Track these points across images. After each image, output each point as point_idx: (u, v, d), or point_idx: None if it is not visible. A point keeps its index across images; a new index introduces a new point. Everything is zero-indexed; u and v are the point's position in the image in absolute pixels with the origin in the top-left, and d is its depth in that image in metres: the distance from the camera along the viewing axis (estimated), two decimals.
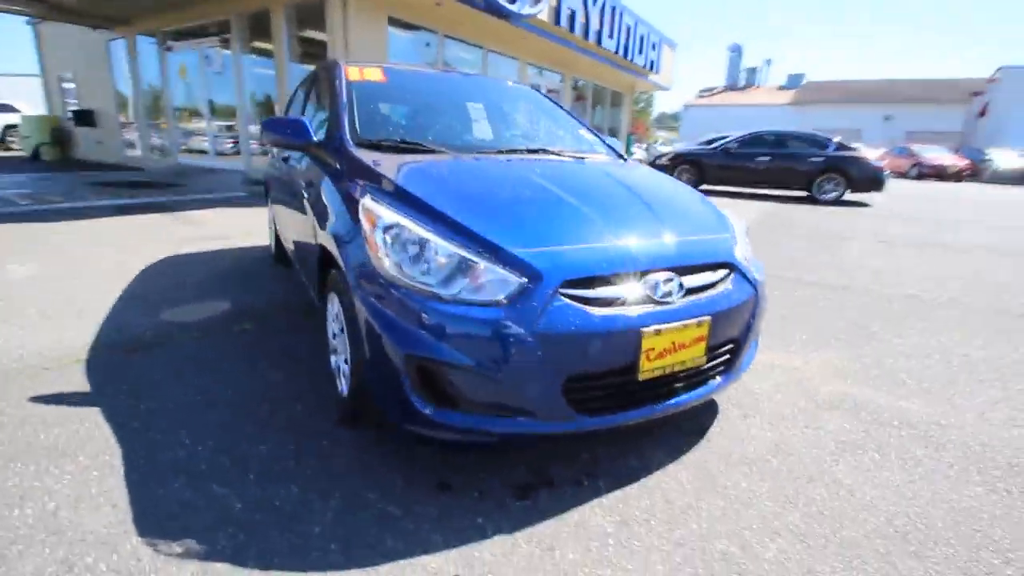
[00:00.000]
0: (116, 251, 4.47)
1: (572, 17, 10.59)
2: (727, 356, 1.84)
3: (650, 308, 1.56)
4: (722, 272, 1.80)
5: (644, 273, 1.60)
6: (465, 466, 1.74)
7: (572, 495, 1.62)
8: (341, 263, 1.69)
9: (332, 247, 1.79)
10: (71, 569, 1.29)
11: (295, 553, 1.35)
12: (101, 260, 4.19)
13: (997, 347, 2.97)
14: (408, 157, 2.07)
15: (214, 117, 10.23)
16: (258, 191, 8.46)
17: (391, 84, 2.62)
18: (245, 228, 5.64)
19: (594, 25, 11.39)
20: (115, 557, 1.33)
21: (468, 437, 1.51)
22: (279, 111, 8.83)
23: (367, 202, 1.69)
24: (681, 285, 1.65)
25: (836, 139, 11.08)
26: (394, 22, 8.37)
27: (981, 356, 2.83)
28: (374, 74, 2.63)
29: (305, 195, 2.41)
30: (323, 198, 2.06)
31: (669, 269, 1.65)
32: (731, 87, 46.92)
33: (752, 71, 46.86)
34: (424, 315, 1.43)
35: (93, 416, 1.97)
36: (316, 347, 2.67)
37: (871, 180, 10.74)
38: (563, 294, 1.47)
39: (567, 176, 2.10)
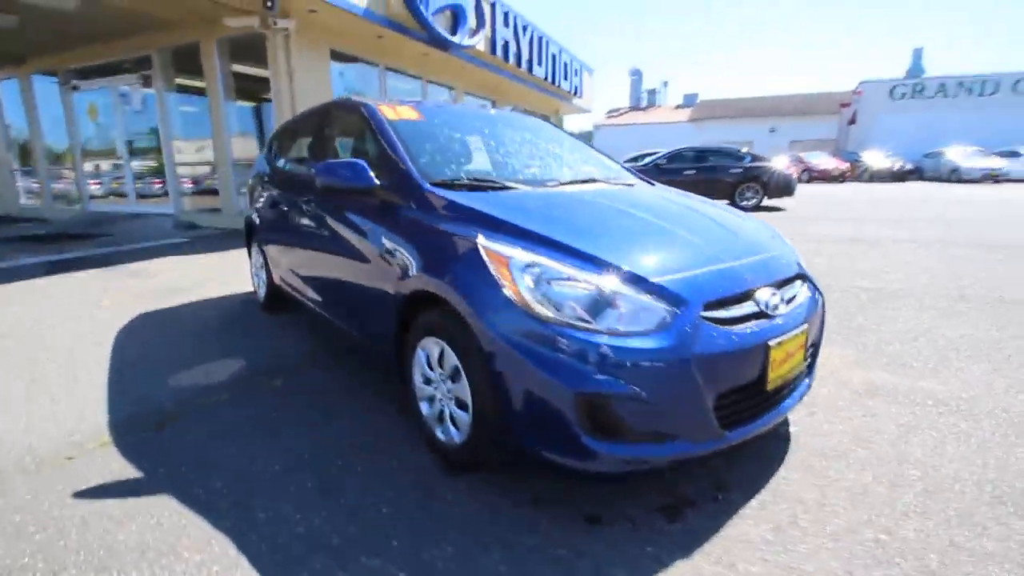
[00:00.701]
0: (76, 314, 3.98)
1: (506, 47, 10.96)
2: (810, 359, 2.01)
3: (766, 322, 1.69)
4: (798, 282, 1.98)
5: (754, 290, 1.73)
6: (597, 497, 1.75)
7: (716, 510, 1.68)
8: (463, 306, 1.66)
9: (441, 290, 1.75)
10: None
11: None
12: (65, 324, 3.71)
13: (963, 326, 3.43)
14: (490, 194, 2.07)
15: (134, 158, 9.39)
16: (201, 235, 7.87)
17: (429, 122, 2.61)
18: (206, 276, 5.22)
19: (525, 54, 11.85)
20: None
21: (630, 467, 1.53)
22: (215, 151, 8.31)
23: (486, 243, 1.69)
24: (782, 298, 1.79)
25: (744, 149, 12.30)
26: (336, 55, 8.22)
27: (956, 335, 3.26)
28: (410, 113, 2.60)
29: (356, 239, 2.32)
30: (404, 241, 2.00)
31: (770, 285, 1.79)
32: (635, 107, 50.24)
33: (652, 92, 50.53)
34: (586, 350, 1.45)
35: (165, 504, 1.76)
36: (372, 394, 2.55)
37: (784, 187, 11.96)
38: (704, 317, 1.56)
39: (645, 204, 2.20)
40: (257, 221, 3.79)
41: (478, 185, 2.16)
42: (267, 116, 8.05)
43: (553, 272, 1.57)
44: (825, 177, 23.54)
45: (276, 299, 3.85)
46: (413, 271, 1.92)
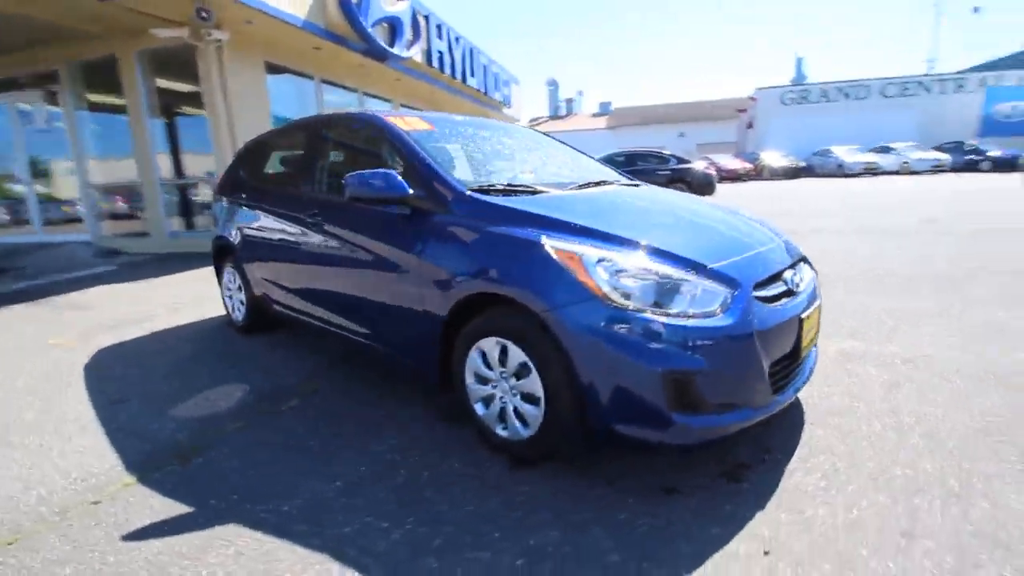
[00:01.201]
0: (25, 355, 3.55)
1: (441, 58, 11.02)
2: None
3: (794, 299, 1.92)
4: (802, 264, 2.25)
5: (782, 272, 1.96)
6: (664, 472, 1.89)
7: (768, 469, 1.88)
8: (538, 303, 1.74)
9: (509, 290, 1.82)
10: None
11: None
12: (20, 366, 3.31)
13: (900, 299, 3.97)
14: (528, 197, 2.17)
15: (38, 182, 8.41)
16: (130, 262, 7.22)
17: (440, 131, 2.65)
18: (153, 306, 4.83)
19: (458, 66, 11.97)
20: None
21: (706, 437, 1.69)
22: (139, 170, 7.67)
23: (553, 242, 1.79)
24: (801, 277, 2.05)
25: (666, 152, 13.27)
26: (270, 67, 7.88)
27: (896, 307, 3.77)
28: (420, 123, 2.63)
29: (385, 249, 2.32)
30: (451, 247, 2.05)
31: (789, 267, 2.04)
32: (554, 116, 51.92)
33: (569, 101, 52.53)
34: (667, 333, 1.59)
35: (236, 532, 1.68)
36: (403, 404, 2.54)
37: (706, 185, 12.98)
38: (755, 296, 1.76)
39: (665, 201, 2.40)
40: (235, 241, 3.60)
41: (512, 190, 2.25)
42: (196, 131, 7.55)
43: (624, 264, 1.71)
44: (732, 176, 25.64)
45: (258, 320, 3.68)
46: (466, 275, 1.97)
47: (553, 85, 52.75)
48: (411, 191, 2.21)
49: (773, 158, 27.29)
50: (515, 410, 1.95)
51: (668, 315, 1.63)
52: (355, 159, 2.99)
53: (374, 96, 10.99)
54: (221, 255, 3.92)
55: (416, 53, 9.80)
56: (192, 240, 7.71)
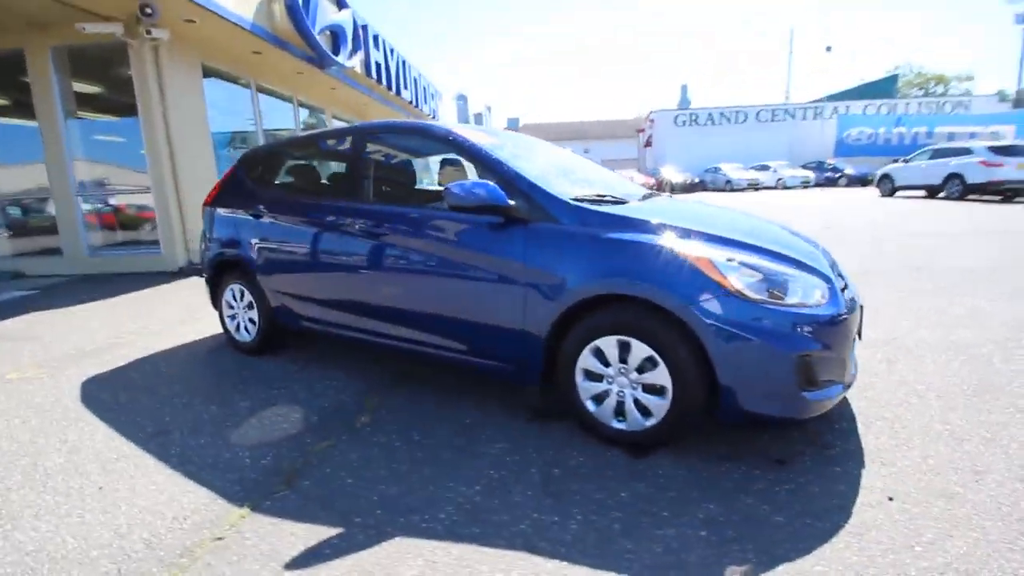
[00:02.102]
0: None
1: (379, 68, 10.85)
2: None
3: (848, 291, 2.30)
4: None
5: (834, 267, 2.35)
6: (761, 447, 2.16)
7: (846, 436, 2.22)
8: (672, 301, 1.93)
9: (640, 290, 1.99)
10: None
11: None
12: (12, 411, 2.82)
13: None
14: (621, 206, 2.36)
15: None
16: (45, 285, 6.25)
17: (503, 146, 2.74)
18: (120, 330, 4.32)
19: (394, 77, 11.84)
20: None
21: (819, 411, 1.97)
22: (50, 178, 6.69)
23: (680, 245, 2.00)
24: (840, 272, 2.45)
25: None
26: (206, 71, 7.29)
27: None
28: (485, 137, 2.72)
29: (482, 257, 2.38)
30: (563, 253, 2.18)
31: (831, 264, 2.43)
32: None
33: (478, 116, 53.31)
34: (794, 321, 1.87)
35: (408, 544, 1.67)
36: (483, 407, 2.60)
37: None
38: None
39: (718, 208, 2.71)
40: (248, 256, 3.36)
41: (601, 199, 2.43)
42: (123, 136, 6.78)
43: (747, 262, 1.96)
44: None
45: (271, 340, 3.47)
46: (587, 278, 2.11)
47: (462, 100, 53.24)
48: (512, 201, 2.30)
49: (672, 174, 29.84)
50: (636, 402, 2.11)
51: (789, 305, 1.90)
52: (415, 170, 2.98)
53: (307, 106, 10.53)
54: (220, 272, 3.63)
55: (357, 63, 9.59)
56: (118, 259, 6.86)
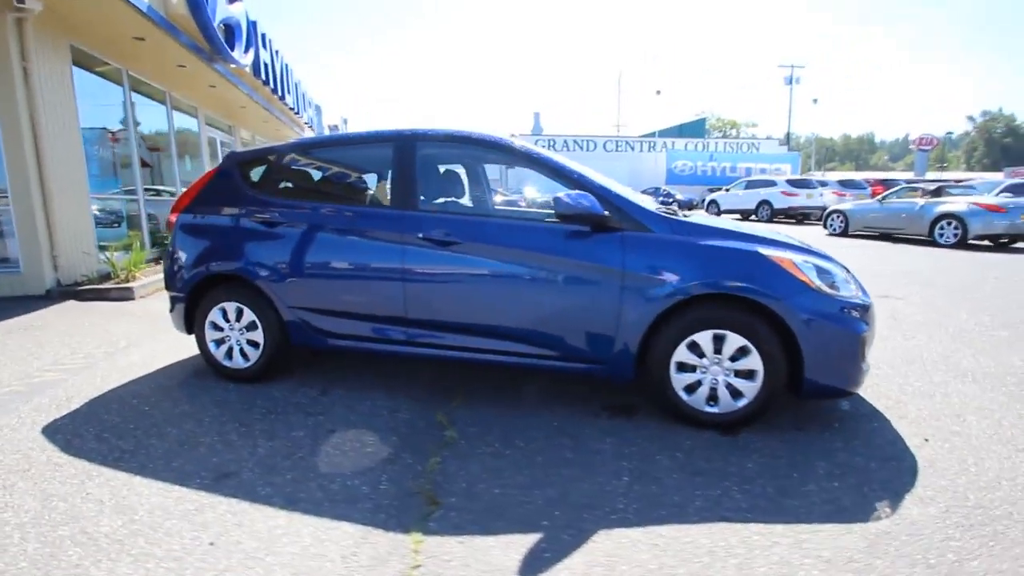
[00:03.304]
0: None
1: (266, 69, 9.92)
2: None
3: None
4: None
5: None
6: (801, 417, 2.64)
7: (853, 404, 2.80)
8: (768, 298, 2.30)
9: (743, 290, 2.32)
10: None
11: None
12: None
13: None
14: (690, 215, 2.68)
15: None
16: None
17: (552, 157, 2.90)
18: (42, 364, 3.40)
19: (279, 80, 10.92)
20: None
21: (864, 382, 2.48)
22: None
23: (767, 251, 2.39)
24: None
25: None
26: (74, 58, 6.01)
27: None
28: (534, 147, 2.86)
29: (573, 263, 2.51)
30: (663, 258, 2.43)
31: None
32: None
33: (334, 128, 50.79)
34: (856, 308, 2.36)
35: (647, 536, 1.75)
36: (556, 403, 2.71)
37: None
38: None
39: (736, 222, 3.18)
40: (259, 270, 2.95)
41: (671, 210, 2.73)
42: None
43: (815, 263, 2.41)
44: None
45: (278, 361, 3.10)
46: (685, 281, 2.38)
47: (317, 111, 50.42)
48: (605, 212, 2.49)
49: (533, 194, 31.81)
50: (728, 387, 2.43)
51: (846, 296, 2.40)
52: (471, 179, 2.96)
53: (180, 108, 9.19)
54: (204, 290, 3.11)
55: (250, 61, 8.70)
56: None
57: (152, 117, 8.50)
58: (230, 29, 7.76)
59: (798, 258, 2.42)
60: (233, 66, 8.21)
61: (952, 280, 6.24)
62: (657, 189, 32.49)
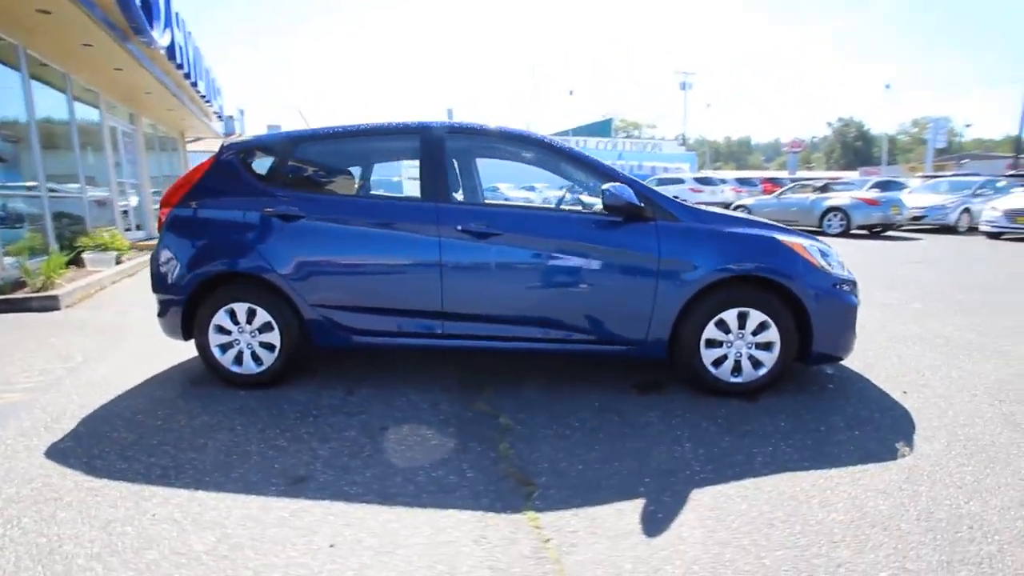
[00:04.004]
0: None
1: (182, 52, 8.98)
2: None
3: None
4: None
5: None
6: (799, 384, 3.03)
7: (836, 369, 3.24)
8: (787, 278, 2.61)
9: (766, 272, 2.61)
10: None
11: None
12: None
13: None
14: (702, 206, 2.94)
15: None
16: None
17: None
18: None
19: (192, 64, 9.92)
20: None
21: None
22: None
23: (783, 237, 2.69)
24: None
25: None
26: None
27: None
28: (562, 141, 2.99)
29: (613, 251, 2.68)
30: (694, 245, 2.66)
31: None
32: (228, 133, 45.31)
33: (230, 119, 46.77)
34: (851, 282, 2.76)
35: (759, 494, 1.94)
36: (591, 386, 2.88)
37: None
38: None
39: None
40: (277, 266, 2.77)
41: (683, 202, 2.98)
42: None
43: (815, 245, 2.77)
44: None
45: (295, 364, 2.95)
46: (714, 265, 2.63)
47: (240, 114, 46.13)
48: (641, 203, 2.67)
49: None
50: (750, 358, 2.73)
51: (842, 273, 2.78)
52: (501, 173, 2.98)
53: (80, 97, 8.07)
54: (205, 291, 2.87)
55: (168, 41, 7.84)
56: None
57: (51, 103, 7.40)
58: (147, 5, 6.97)
59: (806, 242, 2.77)
60: (150, 47, 7.37)
61: (853, 263, 7.28)
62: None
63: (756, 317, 2.68)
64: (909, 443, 2.27)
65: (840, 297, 2.72)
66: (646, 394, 2.85)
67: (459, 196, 3.23)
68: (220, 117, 14.40)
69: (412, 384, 3.00)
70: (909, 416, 2.54)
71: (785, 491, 1.94)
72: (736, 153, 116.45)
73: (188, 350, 3.48)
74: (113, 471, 2.09)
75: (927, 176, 21.33)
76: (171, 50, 8.52)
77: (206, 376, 3.07)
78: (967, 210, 12.67)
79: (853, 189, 13.56)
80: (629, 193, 2.61)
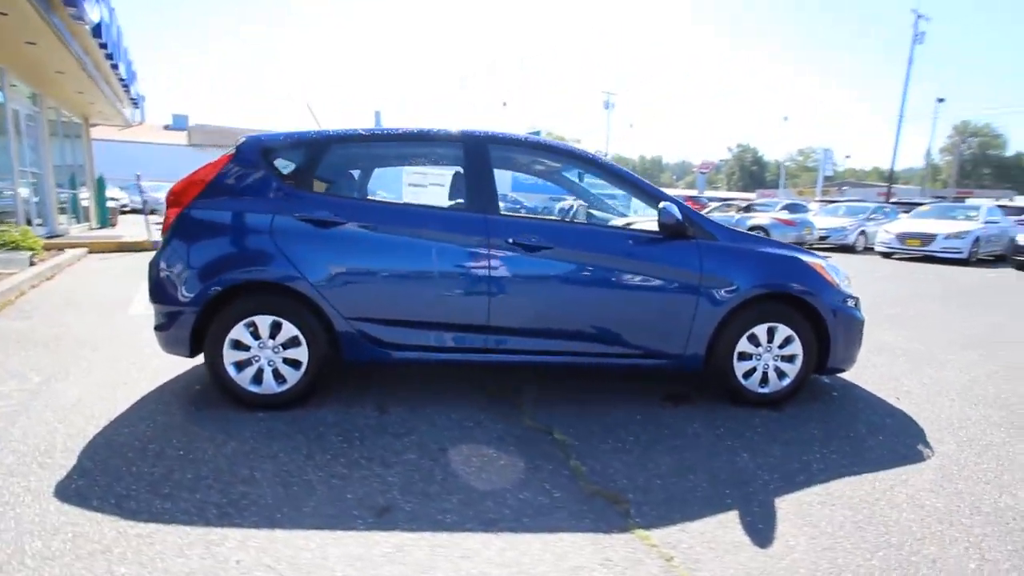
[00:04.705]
0: None
1: (107, 30, 7.99)
2: None
3: None
4: None
5: None
6: (818, 395, 3.29)
7: (834, 380, 3.55)
8: (809, 294, 2.83)
9: (793, 289, 2.82)
10: None
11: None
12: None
13: None
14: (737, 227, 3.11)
15: None
16: None
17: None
18: None
19: (115, 44, 8.86)
20: None
21: None
22: None
23: (804, 257, 2.92)
24: None
25: None
26: None
27: None
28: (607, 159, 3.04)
29: (659, 268, 2.76)
30: (733, 263, 2.81)
31: None
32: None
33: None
34: (855, 301, 3.03)
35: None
36: (609, 399, 2.96)
37: None
38: None
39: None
40: (309, 276, 2.54)
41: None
42: None
43: (834, 265, 3.03)
44: None
45: (319, 381, 2.74)
46: (750, 283, 2.79)
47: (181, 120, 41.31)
48: (685, 222, 2.78)
49: (384, 195, 30.88)
50: (776, 370, 2.92)
51: (850, 290, 3.06)
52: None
53: None
54: (220, 302, 2.57)
55: (99, 17, 6.96)
56: None
57: None
58: None
59: (823, 262, 3.02)
60: (78, 21, 6.50)
61: None
62: (505, 195, 34.30)
63: (783, 331, 2.88)
64: (927, 445, 2.55)
65: (852, 313, 3.00)
66: (680, 406, 2.95)
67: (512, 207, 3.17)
68: (136, 104, 12.93)
69: (443, 401, 2.88)
70: (912, 420, 2.85)
71: (853, 495, 2.09)
72: (649, 171, 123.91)
73: (166, 366, 3.14)
74: (157, 512, 1.81)
75: (822, 200, 24.07)
76: (98, 27, 7.61)
77: (207, 397, 2.77)
78: (863, 232, 14.44)
79: (771, 210, 14.95)
80: (679, 213, 2.71)
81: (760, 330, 2.87)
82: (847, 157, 75.01)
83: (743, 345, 2.87)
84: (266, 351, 2.64)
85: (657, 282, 2.78)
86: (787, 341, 2.89)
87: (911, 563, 1.69)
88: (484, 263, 2.68)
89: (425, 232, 2.70)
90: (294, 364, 2.67)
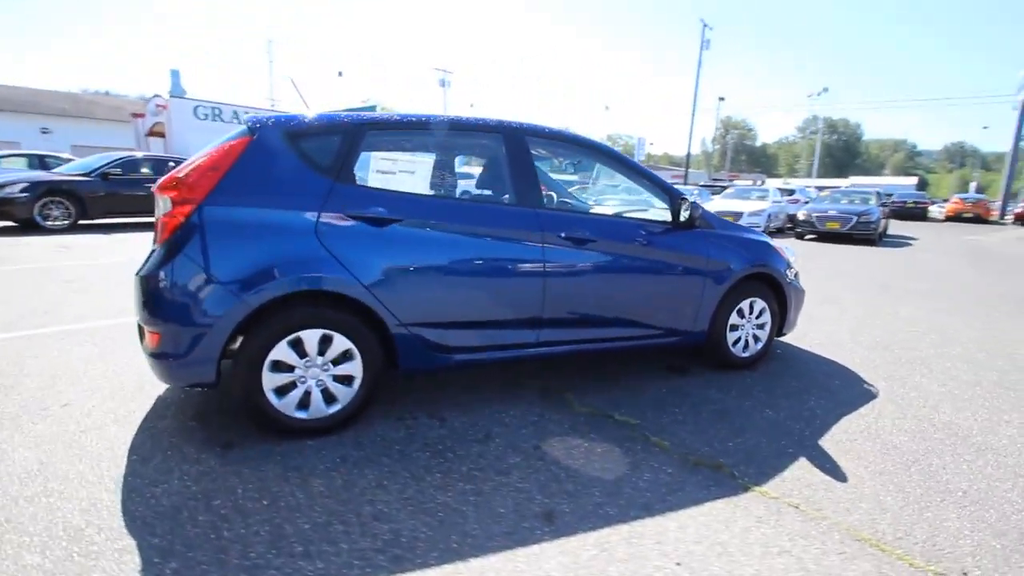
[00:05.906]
0: None
1: None
2: None
3: None
4: None
5: None
6: (779, 373, 3.99)
7: (778, 346, 4.32)
8: (778, 273, 3.42)
9: (767, 268, 3.35)
10: None
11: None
12: None
13: None
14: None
15: None
16: None
17: None
18: None
19: None
20: None
21: None
22: None
23: (770, 241, 3.49)
24: None
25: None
26: None
27: None
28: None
29: (681, 256, 3.08)
30: (731, 249, 3.24)
31: None
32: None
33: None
34: (798, 276, 3.76)
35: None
36: (619, 378, 3.24)
37: None
38: None
39: None
40: (365, 281, 2.22)
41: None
42: None
43: (787, 247, 3.68)
44: None
45: (372, 396, 2.48)
46: (744, 264, 3.27)
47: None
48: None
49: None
50: (753, 336, 3.49)
51: (797, 268, 3.77)
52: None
53: None
54: (255, 320, 2.13)
55: None
56: None
57: None
58: None
59: (780, 243, 3.66)
60: None
61: None
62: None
63: (759, 304, 3.45)
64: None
65: (799, 285, 3.71)
66: (685, 375, 3.35)
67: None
68: None
69: (488, 401, 2.83)
70: (841, 364, 3.69)
71: (897, 442, 2.57)
72: None
73: (135, 390, 2.57)
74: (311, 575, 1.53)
75: None
76: None
77: (219, 434, 2.31)
78: None
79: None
80: (696, 207, 3.04)
81: (745, 304, 3.39)
82: (651, 144, 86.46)
83: (734, 319, 3.37)
84: (313, 369, 2.29)
85: (680, 268, 3.10)
86: (761, 312, 3.48)
87: (931, 466, 2.29)
88: (539, 257, 2.68)
89: (481, 229, 2.58)
90: (345, 381, 2.37)
